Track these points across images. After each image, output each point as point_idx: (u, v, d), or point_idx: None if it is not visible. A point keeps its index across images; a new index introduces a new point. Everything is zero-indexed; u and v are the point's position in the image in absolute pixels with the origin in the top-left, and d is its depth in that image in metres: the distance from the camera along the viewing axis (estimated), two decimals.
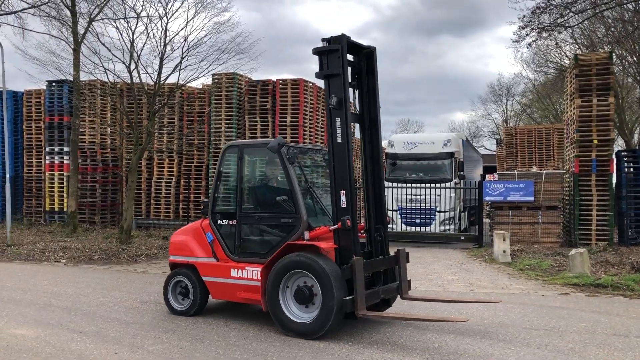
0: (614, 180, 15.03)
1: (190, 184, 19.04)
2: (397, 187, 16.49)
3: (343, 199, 6.55)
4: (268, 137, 18.27)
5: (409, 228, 16.65)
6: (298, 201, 6.79)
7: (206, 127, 18.89)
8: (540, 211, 14.66)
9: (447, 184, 16.58)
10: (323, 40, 6.75)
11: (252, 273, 6.91)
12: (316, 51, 6.75)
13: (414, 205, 16.37)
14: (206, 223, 7.51)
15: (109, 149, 20.03)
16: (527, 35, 17.16)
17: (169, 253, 7.91)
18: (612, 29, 24.55)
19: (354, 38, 6.83)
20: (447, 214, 16.56)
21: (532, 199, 14.60)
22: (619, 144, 29.86)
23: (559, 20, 14.56)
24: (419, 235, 16.28)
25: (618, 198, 15.05)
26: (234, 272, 7.07)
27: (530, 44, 20.03)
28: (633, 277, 9.72)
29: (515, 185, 14.81)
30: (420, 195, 16.24)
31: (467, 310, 7.63)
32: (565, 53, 30.07)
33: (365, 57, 7.12)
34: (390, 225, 16.84)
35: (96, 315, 7.59)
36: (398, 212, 16.73)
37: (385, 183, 16.59)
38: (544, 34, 17.69)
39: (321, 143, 19.24)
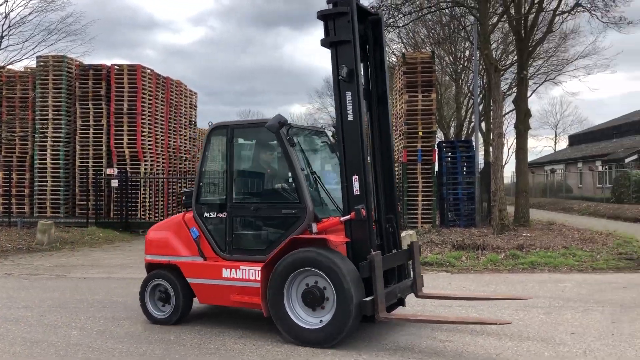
0: (437, 168, 16.71)
1: (11, 177, 17.25)
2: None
3: (356, 185, 5.74)
4: (102, 125, 17.22)
5: None
6: (302, 189, 5.90)
7: (30, 114, 17.24)
8: None
9: None
10: (328, 2, 5.88)
11: (248, 273, 5.98)
12: (321, 15, 5.90)
13: None
14: (190, 216, 6.51)
15: None
16: None
17: (145, 252, 6.78)
18: (433, 31, 27.08)
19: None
20: None
21: None
22: (439, 136, 32.92)
23: (389, 21, 15.66)
24: None
25: (439, 185, 16.74)
26: (225, 273, 6.10)
27: None
28: (454, 254, 10.94)
29: None
30: None
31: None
32: (392, 51, 32.37)
33: (372, 24, 6.28)
34: None
35: None
36: None
37: None
38: None
39: (161, 132, 18.61)
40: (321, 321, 5.52)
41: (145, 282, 6.60)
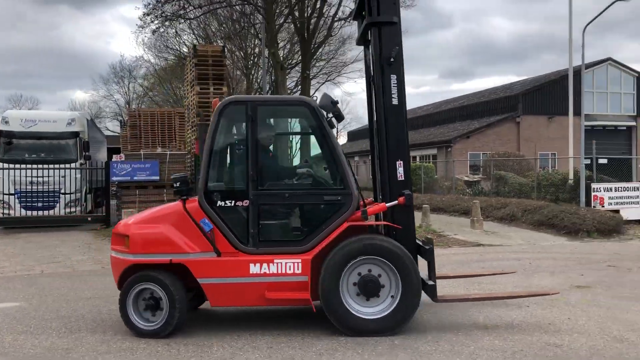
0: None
1: None
2: (14, 169, 15.19)
3: (400, 170, 5.60)
4: None
5: (29, 213, 15.50)
6: (346, 173, 5.52)
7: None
8: (165, 189, 15.64)
9: (72, 165, 16.05)
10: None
11: (285, 267, 5.35)
12: None
13: (35, 187, 15.36)
14: (195, 206, 5.49)
15: None
16: (152, 22, 17.88)
17: (131, 251, 5.43)
18: (224, 26, 27.55)
19: None
20: (73, 195, 16.06)
21: (157, 178, 15.44)
22: None
23: (181, 12, 15.67)
24: (41, 219, 15.36)
25: None
26: (254, 268, 5.36)
27: (154, 31, 20.86)
28: None
29: (142, 166, 15.41)
30: (42, 177, 15.33)
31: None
32: (184, 42, 32.07)
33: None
34: (5, 211, 15.43)
35: None
36: (16, 196, 15.40)
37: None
38: (167, 23, 18.71)
39: None
40: (378, 310, 5.33)
41: (127, 287, 5.41)
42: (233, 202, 5.53)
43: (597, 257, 10.23)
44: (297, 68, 28.62)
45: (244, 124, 5.66)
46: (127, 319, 5.42)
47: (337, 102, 5.58)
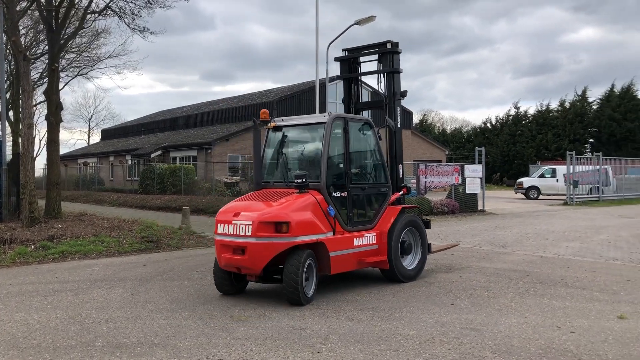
0: None
1: None
2: None
3: (401, 171, 8.57)
4: None
5: None
6: (387, 170, 8.08)
7: None
8: None
9: None
10: (387, 42, 8.70)
11: (369, 239, 7.58)
12: (381, 52, 8.82)
13: None
14: (321, 198, 7.01)
15: None
16: None
17: (291, 234, 6.48)
18: None
19: None
20: None
21: None
22: None
23: None
24: None
25: None
26: (357, 241, 7.35)
27: None
28: None
29: None
30: None
31: None
32: None
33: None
34: None
35: None
36: None
37: None
38: None
39: None
40: (411, 262, 8.14)
41: (298, 264, 6.47)
42: (340, 193, 7.31)
43: None
44: (42, 59, 26.03)
45: (342, 135, 7.48)
46: (302, 289, 6.52)
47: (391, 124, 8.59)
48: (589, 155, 40.76)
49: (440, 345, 5.05)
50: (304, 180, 6.89)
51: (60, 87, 19.03)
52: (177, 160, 33.39)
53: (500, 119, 60.69)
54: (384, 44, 8.80)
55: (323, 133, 7.23)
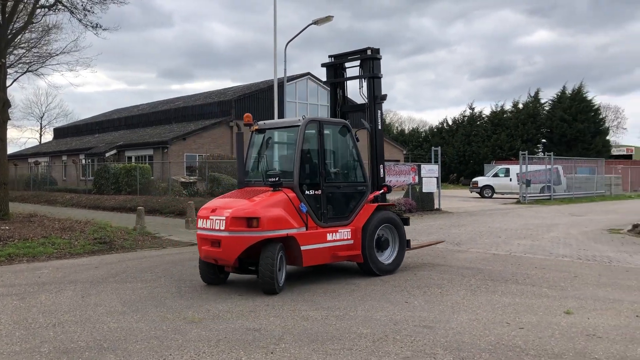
0: None
1: None
2: None
3: (382, 170, 8.91)
4: None
5: None
6: (365, 170, 8.49)
7: None
8: None
9: None
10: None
11: (344, 234, 8.02)
12: (362, 59, 9.04)
13: None
14: (293, 195, 7.51)
15: None
16: None
17: (260, 229, 7.07)
18: None
19: None
20: None
21: None
22: None
23: None
24: None
25: None
26: (329, 236, 7.82)
27: None
28: None
29: None
30: None
31: None
32: None
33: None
34: None
35: None
36: None
37: None
38: None
39: None
40: (388, 257, 8.58)
41: (273, 255, 7.08)
42: (313, 191, 7.78)
43: None
44: None
45: (316, 136, 7.94)
46: (276, 278, 7.12)
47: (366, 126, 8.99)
48: (541, 155, 41.97)
49: (394, 343, 5.10)
50: (277, 179, 7.50)
51: (8, 84, 18.37)
52: (133, 160, 32.72)
53: (456, 119, 61.87)
54: (364, 50, 9.10)
55: (297, 135, 7.74)
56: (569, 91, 55.16)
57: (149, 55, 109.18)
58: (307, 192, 7.70)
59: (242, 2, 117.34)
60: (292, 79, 34.92)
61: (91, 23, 17.25)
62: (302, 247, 7.47)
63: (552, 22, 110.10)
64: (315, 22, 19.98)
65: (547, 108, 56.25)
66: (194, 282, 7.99)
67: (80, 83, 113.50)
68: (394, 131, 69.42)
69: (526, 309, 6.40)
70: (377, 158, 9.00)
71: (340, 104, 9.63)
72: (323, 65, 9.74)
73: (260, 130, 8.54)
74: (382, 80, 9.18)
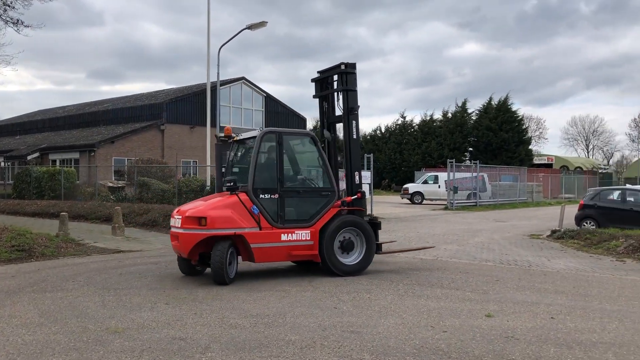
0: None
1: None
2: None
3: (357, 177, 9.27)
4: None
5: None
6: (332, 177, 8.95)
7: None
8: None
9: None
10: (341, 64, 9.40)
11: (302, 235, 8.67)
12: (337, 72, 9.50)
13: None
14: (245, 198, 8.33)
15: None
16: None
17: (208, 227, 8.07)
18: None
19: None
20: None
21: None
22: None
23: None
24: None
25: None
26: (284, 237, 8.54)
27: None
28: None
29: None
30: None
31: None
32: None
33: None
34: None
35: None
36: None
37: None
38: None
39: None
40: (353, 260, 8.95)
41: (223, 251, 8.07)
42: (269, 195, 8.53)
43: None
44: None
45: (275, 146, 8.71)
46: (225, 270, 8.09)
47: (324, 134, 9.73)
48: (468, 162, 43.52)
49: (321, 349, 5.12)
50: (232, 184, 8.42)
51: None
52: (57, 163, 31.31)
53: (389, 127, 63.15)
54: (339, 65, 9.58)
55: (254, 145, 8.67)
56: (495, 102, 57.54)
57: (78, 55, 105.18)
58: (262, 195, 8.48)
59: (177, 4, 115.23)
60: (226, 83, 34.56)
61: (12, 19, 16.45)
62: (253, 245, 8.31)
63: (481, 35, 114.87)
64: (250, 27, 19.89)
65: (474, 118, 58.42)
66: (118, 291, 7.72)
67: (0, 81, 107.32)
68: None
69: (450, 312, 6.60)
70: (351, 165, 9.41)
71: (327, 115, 10.15)
72: (313, 80, 10.22)
73: (239, 141, 9.42)
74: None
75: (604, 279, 9.14)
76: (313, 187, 9.24)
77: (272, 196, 8.55)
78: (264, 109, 37.41)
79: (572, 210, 18.62)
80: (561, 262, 10.89)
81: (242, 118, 36.04)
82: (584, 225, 16.62)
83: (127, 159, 29.58)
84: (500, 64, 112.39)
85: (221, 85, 27.81)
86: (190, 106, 33.68)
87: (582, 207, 17.41)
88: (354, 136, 9.45)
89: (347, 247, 8.99)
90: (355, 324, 6.01)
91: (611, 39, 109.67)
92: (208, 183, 19.65)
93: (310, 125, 66.85)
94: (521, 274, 9.41)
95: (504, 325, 6.04)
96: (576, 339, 5.53)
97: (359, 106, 9.56)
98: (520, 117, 56.91)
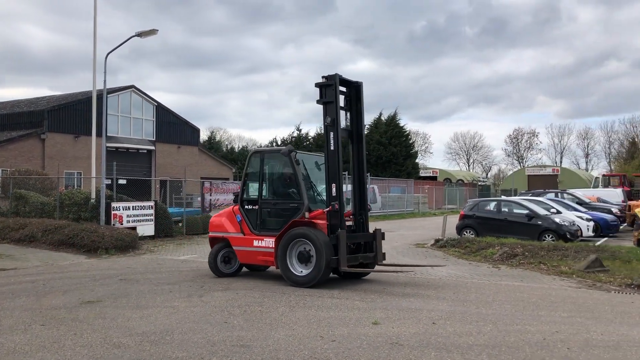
0: None
1: None
2: None
3: (333, 189, 9.48)
4: None
5: None
6: (302, 191, 9.58)
7: None
8: None
9: None
10: (323, 77, 9.77)
11: (268, 242, 9.68)
12: (317, 85, 9.80)
13: None
14: (237, 208, 10.25)
15: None
16: None
17: (209, 230, 10.78)
18: None
19: None
20: None
21: None
22: None
23: None
24: None
25: None
26: (255, 242, 9.86)
27: None
28: None
29: None
30: None
31: None
32: None
33: (355, 88, 10.19)
34: None
35: None
36: None
37: None
38: None
39: None
40: (307, 271, 9.17)
41: (217, 250, 10.42)
42: (252, 206, 10.07)
43: (111, 272, 10.91)
44: None
45: (259, 164, 10.18)
46: (217, 267, 10.37)
47: (292, 150, 9.75)
48: None
49: None
50: (235, 197, 10.46)
51: None
52: None
53: (285, 139, 63.62)
54: (322, 78, 9.78)
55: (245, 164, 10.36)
56: (385, 117, 59.94)
57: None
58: (247, 207, 10.11)
59: (63, 5, 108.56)
60: (115, 91, 33.08)
61: None
62: (235, 247, 10.12)
63: (374, 52, 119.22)
64: (139, 35, 19.18)
65: (366, 132, 60.47)
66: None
67: None
68: (224, 149, 69.16)
69: (339, 321, 6.75)
70: (328, 177, 9.57)
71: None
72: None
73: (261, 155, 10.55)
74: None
75: (481, 284, 9.80)
76: (285, 199, 9.95)
77: (254, 207, 10.00)
78: (154, 119, 36.19)
79: (454, 220, 19.75)
80: (443, 269, 11.52)
81: (132, 127, 34.63)
82: (464, 234, 17.73)
83: (2, 170, 27.32)
84: (392, 81, 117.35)
85: (109, 93, 26.61)
86: (75, 114, 31.81)
87: (463, 217, 18.56)
88: (331, 147, 9.49)
89: (303, 259, 9.25)
90: (245, 338, 5.97)
91: (492, 60, 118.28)
92: (93, 195, 18.54)
93: (204, 135, 65.72)
94: (406, 282, 9.84)
95: (389, 332, 6.28)
96: (455, 342, 5.87)
97: (331, 119, 9.47)
98: (407, 132, 59.66)
